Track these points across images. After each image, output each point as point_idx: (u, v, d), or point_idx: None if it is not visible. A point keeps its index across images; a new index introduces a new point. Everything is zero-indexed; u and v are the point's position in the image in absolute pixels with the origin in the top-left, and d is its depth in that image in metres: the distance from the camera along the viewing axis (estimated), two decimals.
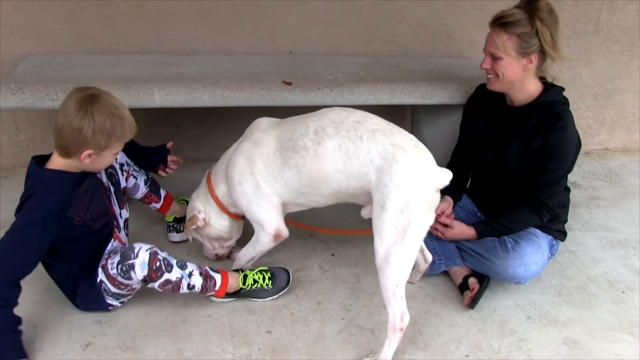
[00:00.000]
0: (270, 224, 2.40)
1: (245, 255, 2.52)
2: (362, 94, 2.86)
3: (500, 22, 2.33)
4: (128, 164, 2.58)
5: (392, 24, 3.57)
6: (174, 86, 2.70)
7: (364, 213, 2.33)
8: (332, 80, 2.90)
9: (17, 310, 2.14)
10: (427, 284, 2.60)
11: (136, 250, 2.17)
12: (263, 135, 2.35)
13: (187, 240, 2.69)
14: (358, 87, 2.86)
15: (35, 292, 2.39)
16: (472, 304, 2.41)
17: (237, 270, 2.43)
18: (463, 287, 2.50)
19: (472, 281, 2.47)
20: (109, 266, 2.20)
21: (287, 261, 2.68)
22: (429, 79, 3.04)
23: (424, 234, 2.11)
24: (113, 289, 2.24)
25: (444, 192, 2.62)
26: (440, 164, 2.90)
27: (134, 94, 2.66)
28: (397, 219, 2.03)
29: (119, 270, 2.17)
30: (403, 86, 2.93)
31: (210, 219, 2.54)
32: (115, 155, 2.21)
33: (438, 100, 2.97)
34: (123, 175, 2.52)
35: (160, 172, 2.73)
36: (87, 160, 2.09)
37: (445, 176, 2.13)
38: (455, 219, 2.58)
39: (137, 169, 2.63)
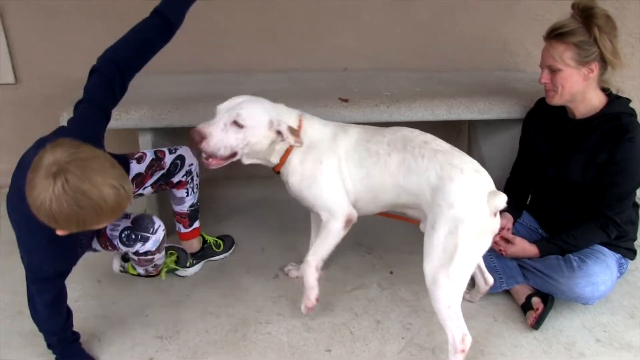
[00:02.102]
0: (342, 209, 2.29)
1: (318, 252, 2.34)
2: (419, 110, 2.84)
3: (556, 33, 2.28)
4: (192, 179, 2.58)
5: (446, 38, 3.54)
6: None
7: (422, 227, 2.27)
8: (389, 97, 2.88)
9: (82, 324, 2.22)
10: (488, 302, 2.54)
11: (155, 226, 2.23)
12: (349, 127, 2.35)
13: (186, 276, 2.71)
14: (415, 103, 2.84)
15: (98, 307, 2.47)
16: (537, 324, 2.34)
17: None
18: (526, 306, 2.43)
19: (536, 301, 2.40)
20: (108, 226, 2.19)
21: (345, 279, 2.67)
22: (485, 94, 2.99)
23: (476, 258, 2.07)
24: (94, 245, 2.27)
25: (503, 208, 2.59)
26: (498, 180, 2.86)
27: (194, 113, 2.71)
28: (446, 241, 1.99)
29: (124, 236, 2.18)
30: (460, 101, 2.90)
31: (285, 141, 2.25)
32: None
33: (496, 115, 2.92)
34: (179, 174, 2.53)
35: None
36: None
37: (501, 200, 2.03)
38: (515, 235, 2.53)
39: (195, 188, 2.63)
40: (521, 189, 2.67)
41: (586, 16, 2.24)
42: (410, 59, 3.54)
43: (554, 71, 2.32)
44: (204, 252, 2.79)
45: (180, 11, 2.19)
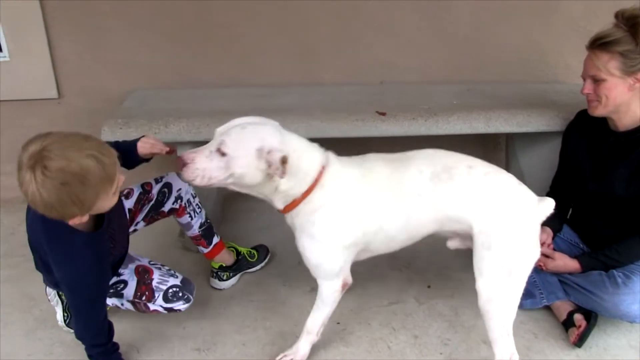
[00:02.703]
0: (338, 276, 2.11)
1: (317, 320, 2.21)
2: (456, 123, 2.82)
3: (600, 42, 2.24)
4: (189, 202, 2.57)
5: (484, 50, 3.52)
6: (269, 118, 2.75)
7: (452, 245, 2.23)
8: (426, 110, 2.87)
9: (121, 335, 2.26)
10: (528, 318, 2.49)
11: (193, 292, 2.34)
12: (373, 170, 2.06)
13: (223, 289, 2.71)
14: (452, 116, 2.83)
15: (137, 319, 2.49)
16: (580, 342, 2.29)
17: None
18: (568, 323, 2.38)
19: (578, 317, 2.35)
20: (158, 277, 2.29)
21: (383, 293, 2.65)
22: (524, 106, 2.96)
23: (530, 270, 2.03)
24: (128, 293, 2.28)
25: (543, 222, 2.54)
26: (538, 193, 2.82)
27: None
28: (504, 259, 1.97)
29: (171, 292, 2.28)
30: (498, 114, 2.87)
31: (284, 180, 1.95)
32: (114, 195, 1.87)
33: (535, 128, 2.88)
34: (169, 202, 2.52)
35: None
36: (79, 221, 1.83)
37: (548, 206, 2.04)
38: (555, 250, 2.48)
39: (197, 208, 2.60)
40: (561, 203, 2.61)
41: (632, 25, 2.20)
42: (447, 71, 3.54)
43: (597, 81, 2.28)
44: (239, 264, 2.80)
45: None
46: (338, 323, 2.47)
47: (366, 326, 2.46)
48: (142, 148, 2.22)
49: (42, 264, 2.19)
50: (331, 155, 2.07)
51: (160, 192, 2.50)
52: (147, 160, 2.28)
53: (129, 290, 2.28)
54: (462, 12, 3.44)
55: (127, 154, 2.19)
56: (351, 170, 2.04)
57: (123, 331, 2.41)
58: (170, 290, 2.29)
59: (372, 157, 2.11)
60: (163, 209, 2.52)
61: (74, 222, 1.82)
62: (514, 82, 3.54)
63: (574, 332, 2.32)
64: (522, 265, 1.99)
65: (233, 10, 3.32)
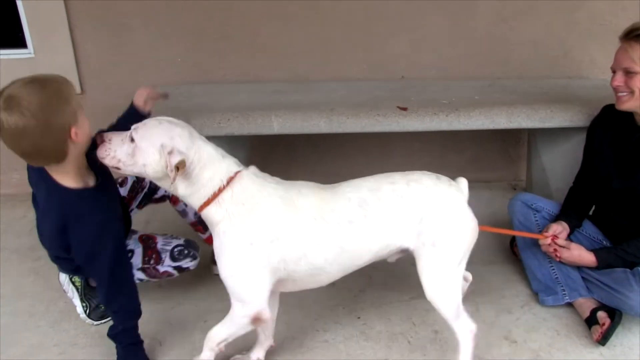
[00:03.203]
0: (252, 302, 1.96)
1: (218, 335, 2.07)
2: (478, 118, 2.80)
3: (636, 34, 2.21)
4: None
5: (506, 45, 3.49)
6: (290, 113, 2.77)
7: (392, 259, 2.16)
8: (447, 105, 2.86)
9: (144, 327, 2.27)
10: (550, 315, 2.48)
11: (198, 250, 2.45)
12: (303, 199, 1.96)
13: None
14: (474, 111, 2.81)
15: (159, 311, 2.53)
16: (603, 340, 2.26)
17: None
18: (591, 321, 2.35)
19: (602, 315, 2.32)
20: (162, 241, 2.40)
21: (403, 288, 2.64)
22: (547, 102, 2.93)
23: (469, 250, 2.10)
24: (136, 261, 2.36)
25: (561, 217, 2.52)
26: (560, 190, 2.81)
27: (253, 122, 2.75)
28: (455, 251, 2.02)
29: (176, 250, 2.39)
30: (521, 109, 2.85)
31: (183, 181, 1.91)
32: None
33: (558, 124, 2.86)
34: (161, 190, 2.59)
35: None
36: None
37: (464, 185, 2.11)
38: (570, 241, 2.46)
39: None
40: (584, 199, 2.59)
41: None
42: (469, 66, 3.52)
43: (629, 74, 2.24)
44: None
45: None
46: (359, 318, 2.47)
47: (386, 321, 2.46)
48: (138, 100, 2.35)
49: (58, 246, 2.19)
50: (247, 173, 1.95)
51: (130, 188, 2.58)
52: (149, 114, 2.36)
53: (137, 258, 2.36)
54: (485, 7, 3.41)
55: (130, 117, 2.28)
56: (269, 191, 1.93)
57: (146, 322, 2.41)
58: (176, 250, 2.40)
59: (302, 184, 2.02)
60: (155, 196, 2.63)
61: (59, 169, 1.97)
62: (537, 78, 3.51)
63: (598, 330, 2.29)
64: (465, 253, 2.06)
65: (254, 5, 3.33)
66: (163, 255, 2.39)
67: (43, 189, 2.07)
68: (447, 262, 2.02)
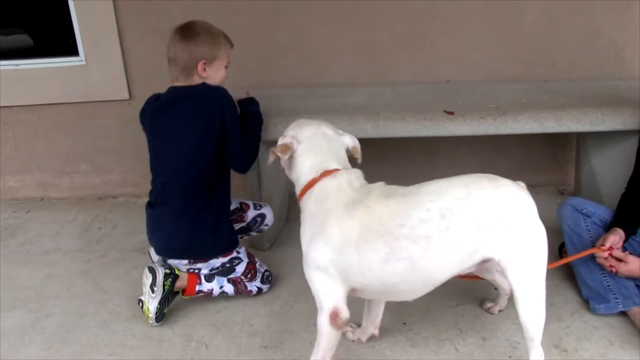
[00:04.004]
0: (326, 301, 1.95)
1: (315, 354, 2.02)
2: (526, 122, 2.75)
3: None
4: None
5: (554, 46, 3.43)
6: (337, 118, 2.76)
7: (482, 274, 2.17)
8: (495, 109, 2.82)
9: (190, 330, 2.34)
10: (602, 324, 2.41)
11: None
12: (370, 210, 1.88)
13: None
14: (522, 114, 2.76)
15: (205, 315, 2.56)
16: None
17: None
18: None
19: None
20: (258, 261, 2.69)
21: (450, 294, 2.61)
22: (597, 104, 2.86)
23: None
24: (239, 269, 2.61)
25: (615, 224, 2.45)
26: (611, 195, 2.74)
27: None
28: (541, 262, 1.94)
29: (266, 275, 2.68)
30: (570, 113, 2.78)
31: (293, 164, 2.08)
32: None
33: (610, 127, 2.78)
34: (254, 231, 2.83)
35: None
36: (204, 74, 2.44)
37: (525, 188, 2.02)
38: (631, 254, 2.38)
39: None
40: (638, 205, 2.51)
41: None
42: (516, 68, 3.47)
43: None
44: None
45: None
46: (404, 323, 2.45)
47: (433, 327, 2.43)
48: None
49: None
50: (342, 173, 1.98)
51: (253, 219, 2.78)
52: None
53: (241, 267, 2.60)
54: (531, 7, 3.36)
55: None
56: (341, 196, 1.92)
57: (192, 326, 2.48)
58: (266, 273, 2.68)
59: (380, 190, 1.95)
60: (249, 234, 2.83)
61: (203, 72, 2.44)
62: (586, 79, 3.43)
63: None
64: (544, 262, 1.96)
65: (302, 9, 3.36)
66: (258, 275, 2.65)
67: None
68: (539, 272, 1.94)
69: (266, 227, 2.83)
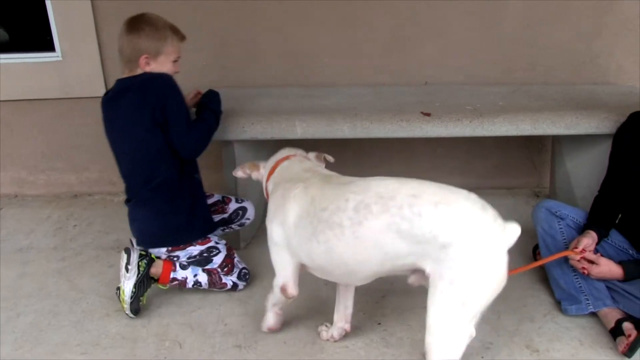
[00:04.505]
0: (280, 275, 2.18)
1: (268, 299, 2.34)
2: (502, 124, 2.78)
3: None
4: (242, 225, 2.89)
5: (532, 50, 3.46)
6: (315, 118, 2.78)
7: (412, 281, 1.98)
8: (472, 111, 2.84)
9: (164, 330, 2.33)
10: (574, 325, 2.44)
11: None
12: (307, 191, 2.02)
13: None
14: (498, 117, 2.79)
15: (180, 314, 2.55)
16: (630, 352, 2.21)
17: None
18: (616, 331, 2.31)
19: (628, 326, 2.28)
20: (237, 257, 2.70)
21: (424, 295, 2.60)
22: (573, 108, 2.90)
23: (486, 303, 1.86)
24: (217, 260, 2.64)
25: (588, 226, 2.48)
26: (585, 198, 2.77)
27: (276, 126, 2.76)
28: (469, 295, 1.77)
29: (244, 272, 2.68)
30: (546, 116, 2.82)
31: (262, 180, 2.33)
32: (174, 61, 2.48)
33: (584, 130, 2.82)
34: (235, 224, 2.85)
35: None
36: (147, 68, 2.42)
37: (514, 232, 1.80)
38: (602, 256, 2.42)
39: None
40: (610, 208, 2.55)
41: None
42: (495, 71, 3.50)
43: None
44: None
45: None
46: (379, 324, 2.46)
47: (407, 327, 2.44)
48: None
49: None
50: (301, 156, 2.28)
51: (235, 211, 2.80)
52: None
53: (219, 259, 2.62)
54: (511, 12, 3.39)
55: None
56: (298, 172, 2.15)
57: (166, 325, 2.47)
58: (243, 270, 2.68)
59: (324, 176, 2.11)
60: (230, 227, 2.84)
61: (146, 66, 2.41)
62: (563, 84, 3.47)
63: (623, 342, 2.25)
64: (483, 300, 1.81)
65: (282, 10, 3.35)
66: (235, 270, 2.66)
67: None
68: (460, 309, 1.78)
69: (247, 221, 2.83)
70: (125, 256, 2.48)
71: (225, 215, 2.78)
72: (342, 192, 1.89)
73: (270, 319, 2.38)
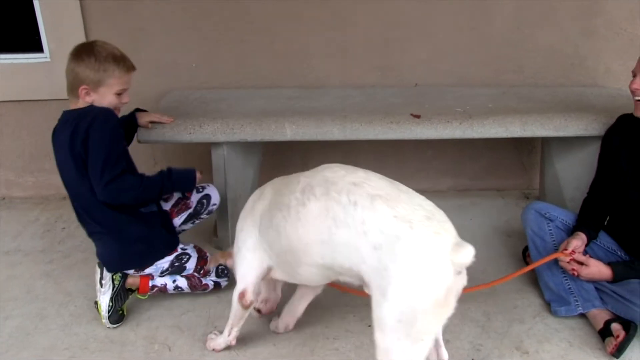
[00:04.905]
0: (240, 283, 2.15)
1: (228, 324, 2.27)
2: (492, 126, 2.78)
3: None
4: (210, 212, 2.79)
5: (521, 53, 3.47)
6: (304, 120, 2.77)
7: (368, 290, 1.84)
8: (461, 113, 2.85)
9: (153, 333, 2.34)
10: (563, 326, 2.45)
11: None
12: (273, 186, 2.09)
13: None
14: (488, 119, 2.79)
15: (170, 317, 2.54)
16: (618, 352, 2.23)
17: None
18: (605, 332, 2.32)
19: (616, 327, 2.29)
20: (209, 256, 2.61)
21: None
22: (562, 110, 2.91)
23: (437, 328, 1.74)
24: (190, 266, 2.58)
25: (578, 228, 2.50)
26: (574, 199, 2.79)
27: (266, 128, 2.75)
28: (402, 311, 1.62)
29: (221, 269, 2.64)
30: (535, 118, 2.83)
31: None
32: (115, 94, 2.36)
33: (573, 132, 2.83)
34: (204, 213, 2.75)
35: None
36: (88, 99, 2.32)
37: (466, 255, 1.60)
38: (592, 257, 2.43)
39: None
40: (599, 209, 2.56)
41: None
42: (483, 74, 3.50)
43: None
44: None
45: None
46: (369, 326, 2.42)
47: None
48: (143, 121, 2.70)
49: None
50: None
51: (199, 202, 2.69)
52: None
53: (191, 264, 2.56)
54: (501, 14, 3.40)
55: (128, 124, 2.64)
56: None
57: (155, 329, 2.45)
58: (220, 267, 2.62)
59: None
60: (200, 218, 2.74)
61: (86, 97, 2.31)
62: (552, 86, 3.48)
63: (612, 342, 2.26)
64: (426, 321, 1.64)
65: (271, 11, 3.34)
66: (211, 269, 2.62)
67: None
68: (397, 327, 1.64)
69: (214, 207, 2.74)
70: (98, 270, 2.46)
71: (191, 210, 2.68)
72: (297, 176, 1.94)
73: (221, 344, 2.30)
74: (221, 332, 2.31)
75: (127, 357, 2.29)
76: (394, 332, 1.64)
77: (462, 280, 1.68)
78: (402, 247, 1.60)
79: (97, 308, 2.47)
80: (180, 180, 2.50)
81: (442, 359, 1.98)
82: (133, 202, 2.37)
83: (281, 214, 1.90)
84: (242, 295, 2.15)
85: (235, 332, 2.27)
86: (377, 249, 1.64)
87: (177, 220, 2.64)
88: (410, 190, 1.77)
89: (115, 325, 2.46)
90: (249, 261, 2.11)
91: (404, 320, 1.62)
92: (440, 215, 1.69)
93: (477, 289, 2.41)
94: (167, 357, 2.30)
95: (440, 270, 1.59)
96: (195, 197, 2.68)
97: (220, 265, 2.59)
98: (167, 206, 2.63)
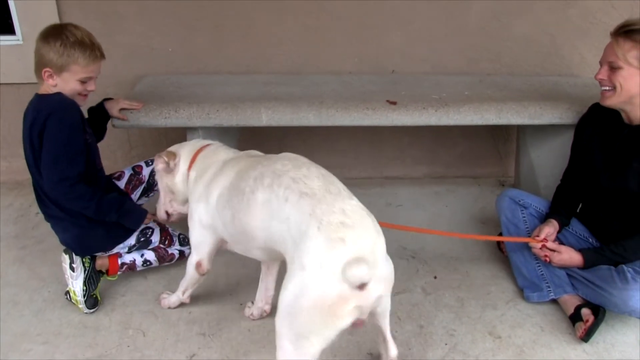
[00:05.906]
0: (196, 252, 2.26)
1: (180, 288, 2.43)
2: (467, 113, 2.80)
3: (625, 30, 2.22)
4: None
5: (498, 41, 3.49)
6: (280, 105, 2.76)
7: None
8: (437, 100, 2.86)
9: (128, 318, 2.33)
10: (535, 312, 2.49)
11: None
12: (235, 166, 2.11)
13: None
14: (464, 106, 2.81)
15: (144, 302, 2.53)
16: (587, 336, 2.27)
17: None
18: (575, 317, 2.36)
19: (586, 312, 2.33)
20: (170, 227, 2.67)
21: (401, 294, 2.64)
22: (537, 99, 2.93)
23: (327, 335, 1.69)
24: (155, 239, 2.62)
25: (550, 215, 2.53)
26: (548, 187, 2.82)
27: (242, 113, 2.74)
28: (293, 304, 1.66)
29: (182, 237, 2.68)
30: (510, 106, 2.84)
31: (177, 172, 2.30)
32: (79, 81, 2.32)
33: (547, 121, 2.86)
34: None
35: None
36: (51, 82, 2.29)
37: (356, 272, 1.57)
38: (563, 244, 2.47)
39: None
40: (571, 197, 2.60)
41: None
42: (460, 62, 3.51)
43: (614, 69, 2.25)
44: None
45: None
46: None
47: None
48: (113, 110, 2.66)
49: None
50: (220, 144, 2.35)
51: (151, 174, 2.72)
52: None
53: (156, 236, 2.60)
54: (477, 3, 3.40)
55: (98, 113, 2.63)
56: (227, 153, 2.24)
57: (129, 314, 2.44)
58: (181, 236, 2.70)
59: (251, 152, 2.24)
60: (155, 190, 2.72)
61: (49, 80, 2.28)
62: (528, 75, 3.51)
63: (581, 327, 2.30)
64: (311, 323, 1.66)
65: None
66: (174, 239, 2.67)
67: None
68: (284, 315, 1.70)
69: None
70: (66, 257, 2.43)
71: (144, 184, 2.72)
72: (257, 162, 1.99)
73: (175, 302, 2.47)
74: (173, 292, 2.47)
75: (101, 342, 2.28)
76: (284, 319, 1.71)
77: (368, 296, 1.66)
78: (305, 245, 1.67)
79: (70, 297, 2.45)
80: (128, 216, 2.45)
81: (391, 354, 2.03)
82: (80, 210, 2.34)
83: (237, 198, 1.97)
84: (198, 264, 2.27)
85: (188, 293, 2.43)
86: (295, 243, 1.73)
87: (134, 197, 2.69)
88: (344, 193, 1.78)
89: (92, 310, 2.44)
90: (204, 234, 2.20)
91: (292, 312, 1.68)
92: (362, 224, 1.69)
93: (435, 233, 2.74)
94: (141, 343, 2.29)
95: (323, 277, 1.61)
96: (146, 171, 2.73)
97: (180, 234, 2.69)
98: (121, 184, 2.67)
